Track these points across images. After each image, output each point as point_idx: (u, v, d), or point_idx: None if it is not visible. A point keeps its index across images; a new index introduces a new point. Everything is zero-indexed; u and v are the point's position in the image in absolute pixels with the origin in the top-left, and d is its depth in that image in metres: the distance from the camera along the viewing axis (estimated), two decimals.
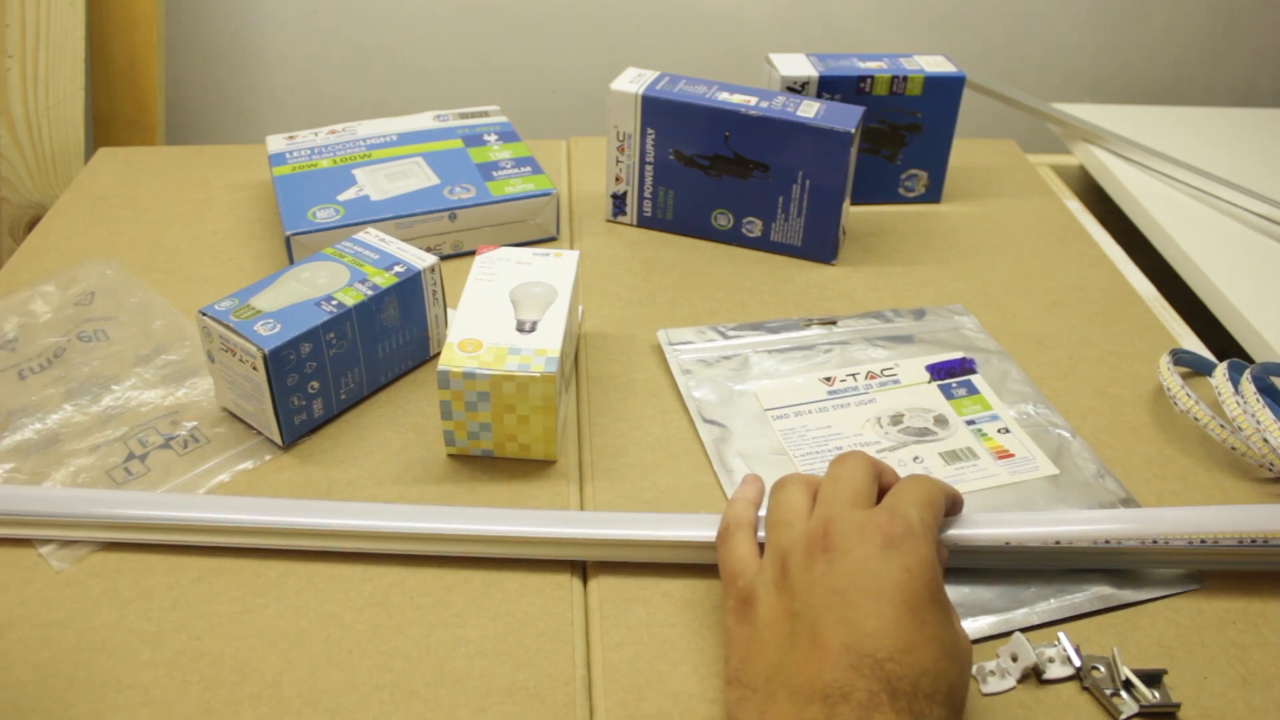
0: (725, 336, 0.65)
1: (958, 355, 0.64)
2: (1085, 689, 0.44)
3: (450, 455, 0.56)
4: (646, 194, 0.77)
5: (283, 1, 1.16)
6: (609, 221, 0.80)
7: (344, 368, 0.57)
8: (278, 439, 0.56)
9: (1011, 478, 0.55)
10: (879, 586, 0.39)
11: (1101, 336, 0.68)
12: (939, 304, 0.70)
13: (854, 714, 0.36)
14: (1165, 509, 0.50)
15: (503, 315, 0.56)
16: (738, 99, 0.72)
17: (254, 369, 0.53)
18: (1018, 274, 0.74)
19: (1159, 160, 0.90)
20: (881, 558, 0.40)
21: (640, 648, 0.46)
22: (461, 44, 1.19)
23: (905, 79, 0.77)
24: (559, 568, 0.50)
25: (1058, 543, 0.47)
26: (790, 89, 0.77)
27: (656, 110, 0.73)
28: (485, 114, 0.85)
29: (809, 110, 0.71)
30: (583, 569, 0.50)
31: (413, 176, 0.75)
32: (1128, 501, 0.54)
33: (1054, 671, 0.44)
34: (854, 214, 0.82)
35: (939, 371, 0.63)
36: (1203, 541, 0.47)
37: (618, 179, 0.78)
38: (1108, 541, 0.47)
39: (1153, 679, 0.44)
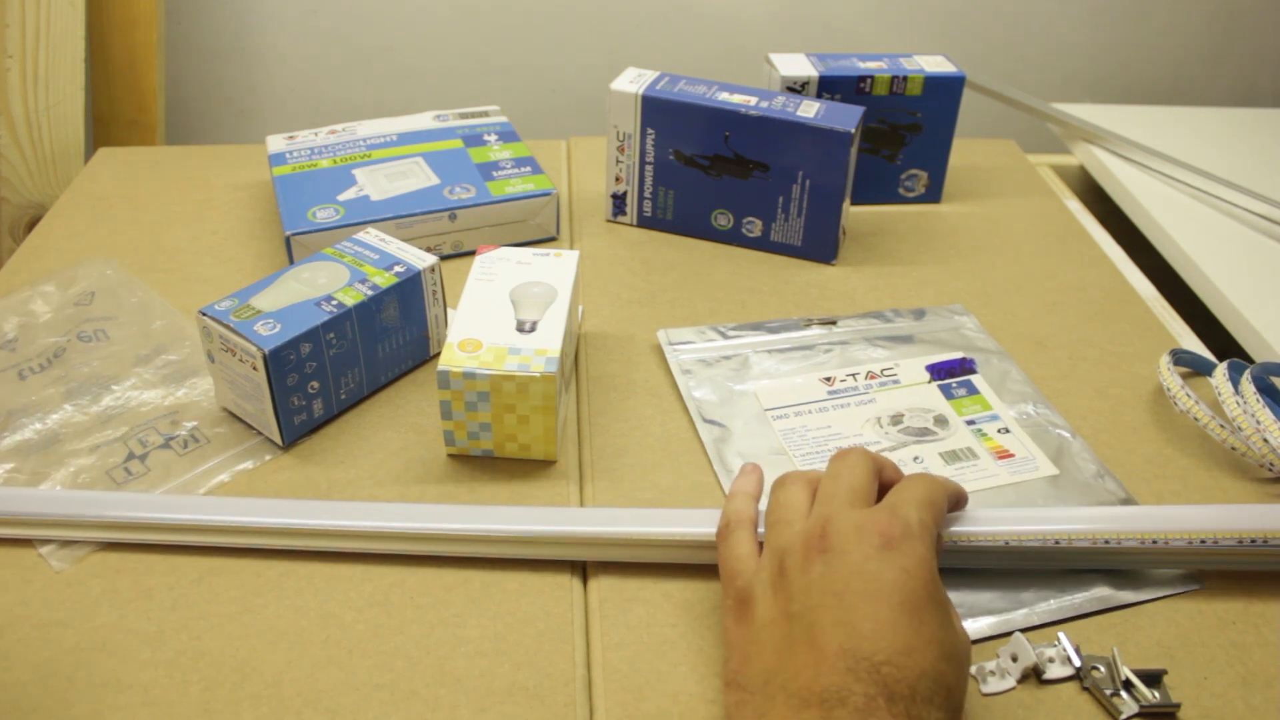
0: (725, 336, 0.65)
1: (958, 355, 0.64)
2: (1085, 689, 0.44)
3: (450, 455, 0.56)
4: (646, 194, 0.77)
5: (283, 1, 1.16)
6: (609, 221, 0.80)
7: (344, 368, 0.57)
8: (278, 439, 0.56)
9: (1011, 478, 0.55)
10: (876, 588, 0.39)
11: (1101, 336, 0.68)
12: (939, 304, 0.70)
13: (851, 718, 0.36)
14: (1165, 507, 0.50)
15: (503, 315, 0.56)
16: (738, 99, 0.72)
17: (254, 369, 0.53)
18: (1018, 274, 0.74)
19: (1159, 160, 0.90)
20: (879, 559, 0.40)
21: (640, 648, 0.46)
22: (461, 44, 1.19)
23: (905, 79, 0.77)
24: (559, 568, 0.50)
25: (1057, 542, 0.47)
26: (790, 89, 0.77)
27: (656, 110, 0.73)
28: (485, 114, 0.85)
29: (809, 110, 0.71)
30: (583, 569, 0.50)
31: (413, 176, 0.75)
32: (1127, 502, 0.54)
33: (1054, 671, 0.44)
34: (854, 214, 0.82)
35: (939, 371, 0.63)
36: (1203, 541, 0.47)
37: (618, 179, 0.78)
38: (1107, 541, 0.47)
39: (1153, 679, 0.44)
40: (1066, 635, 0.45)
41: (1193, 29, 1.25)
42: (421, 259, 0.60)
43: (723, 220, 0.76)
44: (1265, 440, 0.54)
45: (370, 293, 0.57)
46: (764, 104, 0.72)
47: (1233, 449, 0.56)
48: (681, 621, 0.47)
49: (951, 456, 0.56)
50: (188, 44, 1.17)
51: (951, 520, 0.47)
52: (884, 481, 0.45)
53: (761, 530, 0.46)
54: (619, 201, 0.79)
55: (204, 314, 0.55)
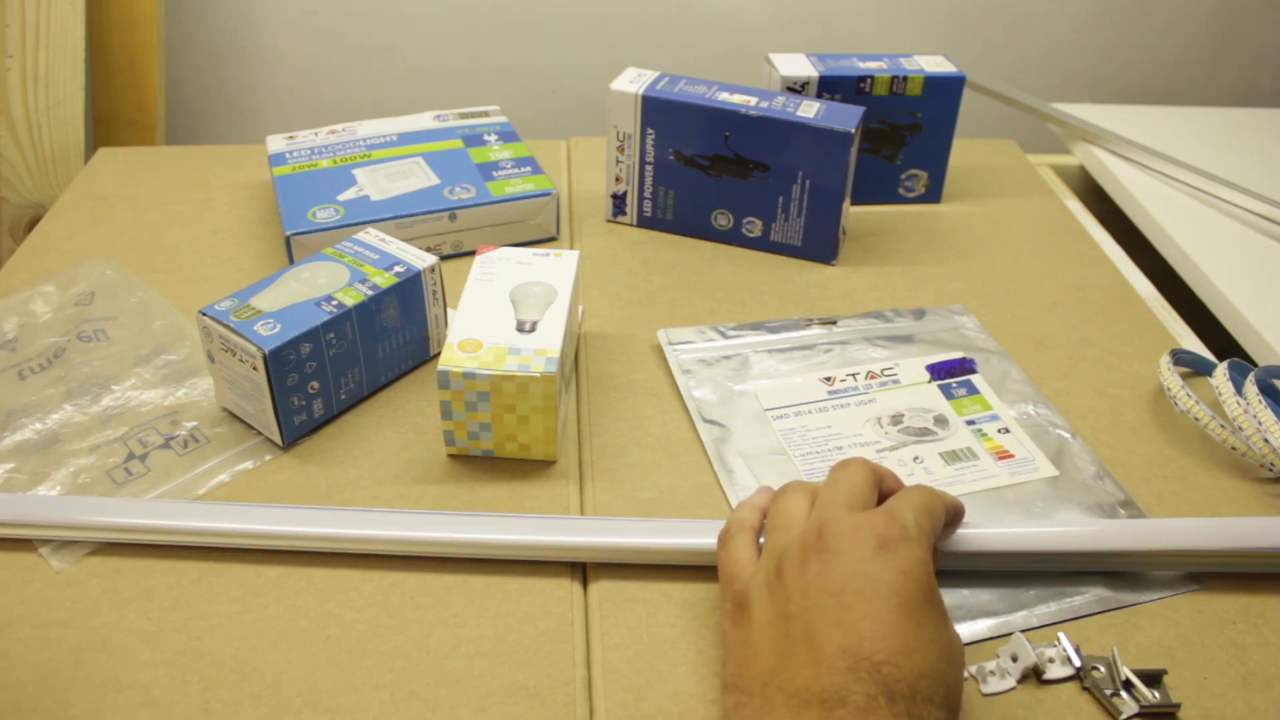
0: (725, 336, 0.65)
1: (958, 355, 0.64)
2: (1085, 689, 0.44)
3: (450, 455, 0.56)
4: (646, 194, 0.77)
5: (283, 1, 1.16)
6: (609, 221, 0.80)
7: (344, 368, 0.57)
8: (278, 439, 0.56)
9: (1011, 479, 0.55)
10: (874, 588, 0.39)
11: (1101, 336, 0.68)
12: (939, 304, 0.70)
13: (851, 718, 0.36)
14: (1165, 520, 0.50)
15: (503, 315, 0.56)
16: (738, 99, 0.72)
17: (254, 369, 0.53)
18: (1018, 274, 0.74)
19: (1159, 160, 0.90)
20: (876, 560, 0.40)
21: (640, 648, 0.46)
22: (461, 44, 1.19)
23: (905, 79, 0.77)
24: (559, 568, 0.50)
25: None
26: (790, 89, 0.77)
27: (656, 110, 0.73)
28: (485, 114, 0.85)
29: (809, 110, 0.71)
30: (583, 570, 0.50)
31: (413, 176, 0.75)
32: (1127, 503, 0.54)
33: (1054, 672, 0.44)
34: (854, 214, 0.82)
35: (939, 371, 0.63)
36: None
37: (618, 179, 0.78)
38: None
39: (1153, 679, 0.44)
40: (1066, 635, 0.45)
41: (1193, 29, 1.25)
42: (421, 259, 0.60)
43: (723, 220, 0.76)
44: (1266, 440, 0.54)
45: (370, 293, 0.57)
46: (764, 104, 0.72)
47: (1233, 449, 0.56)
48: (681, 622, 0.47)
49: (951, 456, 0.56)
50: (188, 44, 1.17)
51: (948, 536, 0.47)
52: (883, 491, 0.45)
53: (763, 540, 0.46)
54: (619, 201, 0.79)
55: (204, 314, 0.55)
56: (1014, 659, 0.44)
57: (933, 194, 0.83)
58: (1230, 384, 0.57)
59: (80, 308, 0.67)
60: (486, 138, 0.81)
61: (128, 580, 0.48)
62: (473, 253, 0.73)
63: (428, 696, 0.44)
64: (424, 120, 0.83)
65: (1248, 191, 0.83)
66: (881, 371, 0.63)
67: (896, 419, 0.59)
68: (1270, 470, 0.55)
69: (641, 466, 0.56)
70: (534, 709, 0.43)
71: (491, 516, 0.51)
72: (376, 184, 0.74)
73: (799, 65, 0.78)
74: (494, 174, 0.76)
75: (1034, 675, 0.44)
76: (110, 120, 1.09)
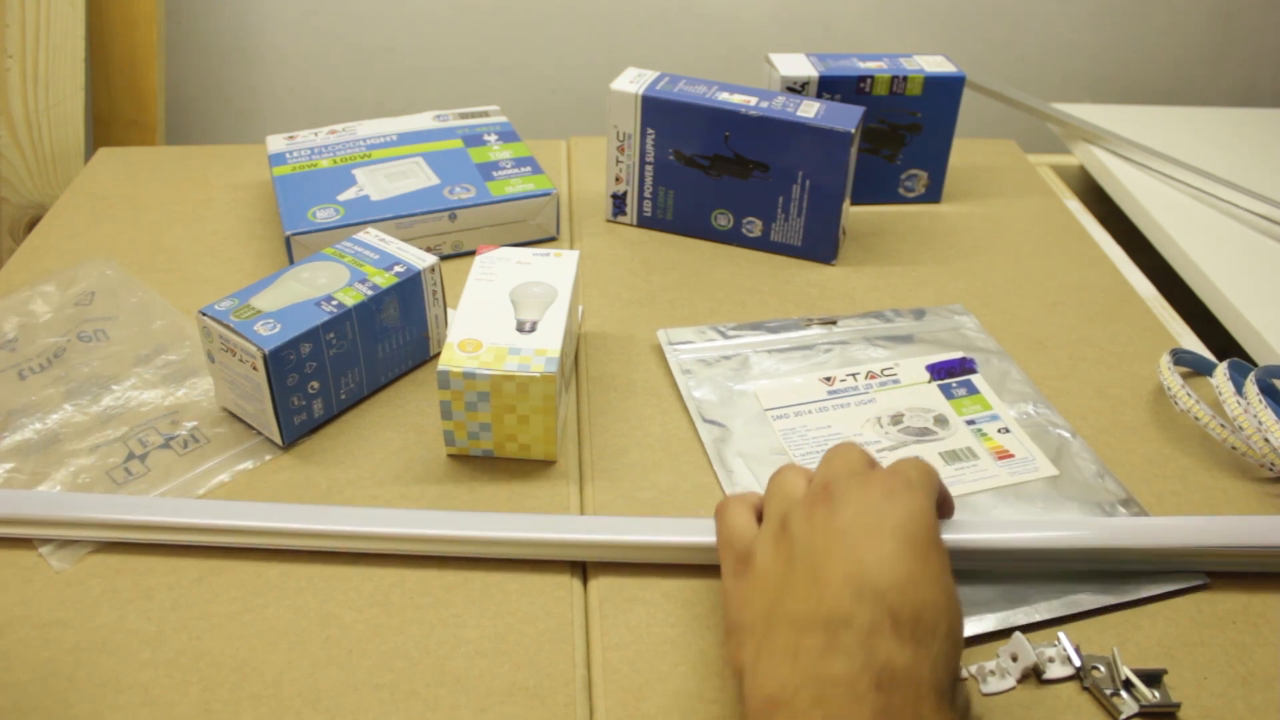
0: (725, 336, 0.65)
1: (958, 355, 0.64)
2: (1085, 689, 0.44)
3: (450, 455, 0.56)
4: (646, 194, 0.77)
5: (283, 1, 1.16)
6: (609, 221, 0.80)
7: (344, 368, 0.57)
8: (278, 439, 0.56)
9: (1011, 478, 0.55)
10: (880, 525, 0.39)
11: (1101, 336, 0.68)
12: (939, 304, 0.70)
13: (856, 640, 0.36)
14: (1165, 519, 0.50)
15: (503, 315, 0.56)
16: (738, 99, 0.72)
17: (254, 369, 0.53)
18: (1018, 274, 0.74)
19: (1159, 160, 0.90)
20: (883, 502, 0.40)
21: (640, 648, 0.46)
22: (461, 44, 1.19)
23: (905, 79, 0.77)
24: (559, 568, 0.50)
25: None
26: (790, 89, 0.77)
27: (656, 110, 0.73)
28: (485, 114, 0.85)
29: (809, 110, 0.71)
30: (583, 569, 0.50)
31: (413, 176, 0.75)
32: (1127, 502, 0.54)
33: (1054, 671, 0.44)
34: (854, 214, 0.82)
35: (939, 371, 0.63)
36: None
37: (618, 179, 0.78)
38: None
39: (1153, 679, 0.44)
40: (1066, 635, 0.45)
41: (1193, 29, 1.25)
42: (421, 259, 0.60)
43: (723, 220, 0.76)
44: (1266, 440, 0.54)
45: (370, 293, 0.57)
46: (764, 104, 0.72)
47: (1233, 449, 0.56)
48: (681, 621, 0.47)
49: (951, 456, 0.56)
50: (188, 44, 1.17)
51: (945, 528, 0.47)
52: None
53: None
54: (619, 201, 0.79)
55: (204, 314, 0.55)
56: (1014, 659, 0.44)
57: (933, 194, 0.83)
58: (1230, 384, 0.57)
59: (80, 308, 0.67)
60: (486, 138, 0.81)
61: (128, 580, 0.48)
62: (473, 253, 0.73)
63: (428, 696, 0.44)
64: (424, 120, 0.83)
65: (1248, 191, 0.83)
66: (881, 371, 0.63)
67: (896, 419, 0.59)
68: (1270, 470, 0.55)
69: (641, 466, 0.56)
70: (534, 709, 0.43)
71: (491, 514, 0.51)
72: (376, 184, 0.74)
73: (799, 65, 0.78)
74: (494, 174, 0.76)
75: (1034, 675, 0.44)
76: (110, 120, 1.09)
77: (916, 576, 0.38)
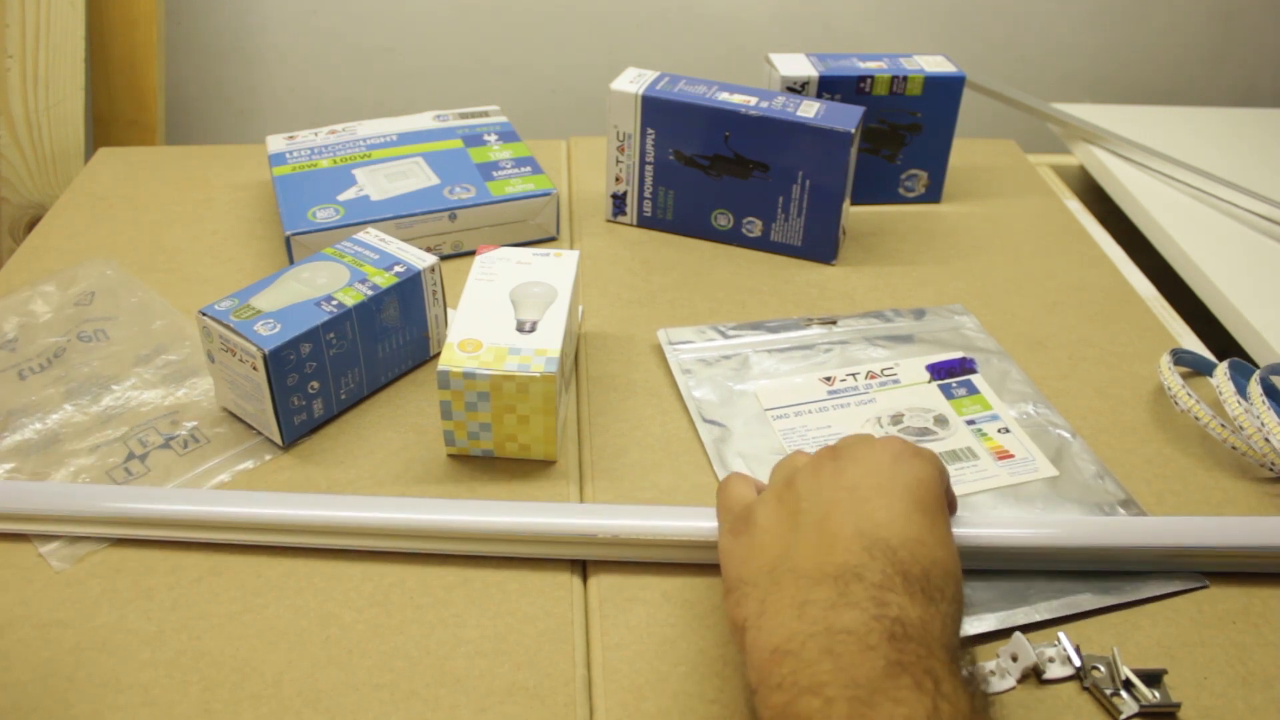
0: (725, 336, 0.65)
1: (958, 355, 0.64)
2: (1085, 689, 0.44)
3: (450, 455, 0.56)
4: (646, 194, 0.77)
5: (283, 1, 1.16)
6: (609, 221, 0.80)
7: (344, 368, 0.57)
8: (278, 439, 0.56)
9: (1011, 479, 0.55)
10: (890, 485, 0.39)
11: (1101, 336, 0.68)
12: (939, 304, 0.70)
13: (867, 593, 0.35)
14: (1165, 519, 0.50)
15: (503, 315, 0.56)
16: (738, 99, 0.72)
17: (254, 369, 0.53)
18: (1018, 274, 0.74)
19: (1159, 160, 0.90)
20: (893, 464, 0.40)
21: (640, 648, 0.46)
22: (461, 44, 1.19)
23: (905, 79, 0.77)
24: (559, 567, 0.50)
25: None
26: (790, 89, 0.77)
27: (656, 110, 0.73)
28: (485, 114, 0.85)
29: (809, 110, 0.71)
30: (583, 568, 0.50)
31: (413, 176, 0.75)
32: (1127, 503, 0.54)
33: (1054, 671, 0.44)
34: (854, 214, 0.82)
35: (939, 371, 0.63)
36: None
37: (618, 179, 0.78)
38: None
39: (1153, 679, 0.44)
40: (1066, 635, 0.45)
41: (1193, 29, 1.24)
42: (421, 259, 0.60)
43: (723, 220, 0.76)
44: (1267, 440, 0.54)
45: (370, 293, 0.57)
46: (764, 104, 0.72)
47: (1234, 449, 0.56)
48: (681, 621, 0.47)
49: (952, 456, 0.56)
50: (188, 44, 1.17)
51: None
52: None
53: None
54: (619, 201, 0.79)
55: (204, 314, 0.55)
56: (1014, 659, 0.44)
57: (933, 194, 0.83)
58: (1231, 383, 0.57)
59: (80, 308, 0.67)
60: (486, 138, 0.81)
61: (128, 580, 0.48)
62: (473, 253, 0.73)
63: (428, 696, 0.44)
64: (424, 120, 0.83)
65: (1248, 191, 0.83)
66: (881, 371, 0.63)
67: (896, 419, 0.59)
68: (1271, 470, 0.55)
69: (641, 466, 0.56)
70: (534, 709, 0.43)
71: (492, 502, 0.51)
72: (376, 184, 0.74)
73: (799, 65, 0.78)
74: (494, 174, 0.76)
75: (1034, 675, 0.44)
76: (110, 120, 1.09)
77: (925, 537, 0.38)
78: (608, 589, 0.49)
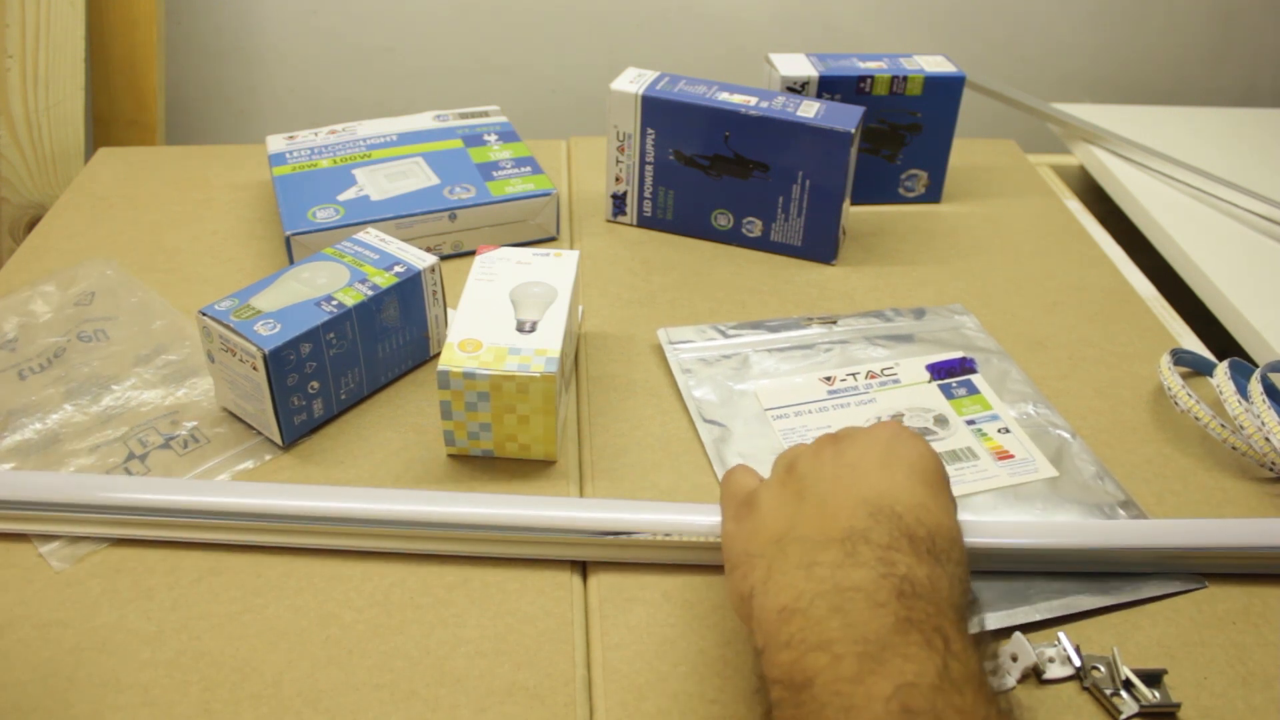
0: (725, 335, 0.65)
1: (958, 355, 0.64)
2: (1085, 689, 0.44)
3: (450, 455, 0.56)
4: (646, 194, 0.77)
5: (283, 1, 1.16)
6: (609, 221, 0.80)
7: (344, 368, 0.57)
8: (278, 439, 0.56)
9: (1011, 479, 0.55)
10: (893, 460, 0.39)
11: (1101, 336, 0.68)
12: (939, 304, 0.70)
13: (874, 553, 0.35)
14: (1165, 520, 0.50)
15: (503, 315, 0.56)
16: (738, 99, 0.72)
17: (254, 369, 0.53)
18: (1018, 274, 0.74)
19: (1159, 160, 0.90)
20: (893, 442, 0.41)
21: (640, 648, 0.46)
22: (461, 44, 1.19)
23: (905, 79, 0.77)
24: (559, 566, 0.50)
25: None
26: (790, 89, 0.77)
27: (656, 110, 0.73)
28: (485, 114, 0.85)
29: (809, 110, 0.71)
30: (583, 568, 0.50)
31: (413, 176, 0.75)
32: (1127, 504, 0.54)
33: (1054, 671, 0.44)
34: (854, 214, 0.82)
35: (939, 371, 0.63)
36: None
37: (618, 179, 0.78)
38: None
39: (1153, 679, 0.44)
40: (1066, 635, 0.45)
41: (1193, 29, 1.24)
42: (421, 259, 0.60)
43: (723, 220, 0.76)
44: (1268, 440, 0.54)
45: (370, 293, 0.57)
46: (764, 104, 0.72)
47: (1234, 449, 0.56)
48: (681, 621, 0.47)
49: (952, 456, 0.56)
50: (188, 44, 1.17)
51: None
52: None
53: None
54: (619, 201, 0.79)
55: (204, 314, 0.55)
56: (1014, 659, 0.44)
57: (933, 194, 0.83)
58: (1231, 383, 0.57)
59: (80, 308, 0.67)
60: (486, 138, 0.81)
61: (128, 580, 0.48)
62: (473, 253, 0.73)
63: (428, 696, 0.44)
64: (424, 120, 0.83)
65: (1248, 191, 0.83)
66: (881, 371, 0.63)
67: (896, 419, 0.59)
68: (1271, 470, 0.55)
69: (641, 466, 0.56)
70: (534, 709, 0.43)
71: (494, 495, 0.51)
72: (376, 184, 0.74)
73: (799, 65, 0.78)
74: (494, 174, 0.76)
75: (1034, 675, 0.44)
76: (110, 120, 1.09)
77: (929, 505, 0.38)
78: (608, 589, 0.49)
